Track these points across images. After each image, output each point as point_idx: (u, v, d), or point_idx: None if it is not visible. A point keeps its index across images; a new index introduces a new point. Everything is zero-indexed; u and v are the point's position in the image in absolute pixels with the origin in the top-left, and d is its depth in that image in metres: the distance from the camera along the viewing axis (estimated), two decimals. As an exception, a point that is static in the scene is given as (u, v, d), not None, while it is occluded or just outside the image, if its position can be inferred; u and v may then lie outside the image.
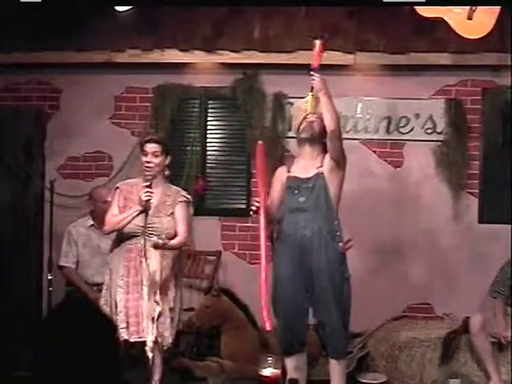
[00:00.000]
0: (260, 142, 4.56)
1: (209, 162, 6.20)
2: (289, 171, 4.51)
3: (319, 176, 4.38)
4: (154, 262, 4.33)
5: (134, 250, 4.35)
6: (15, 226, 6.06)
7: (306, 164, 4.44)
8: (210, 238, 6.09)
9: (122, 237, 4.41)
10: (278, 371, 4.18)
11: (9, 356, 5.14)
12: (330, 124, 4.29)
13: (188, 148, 6.13)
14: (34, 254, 6.13)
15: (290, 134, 6.00)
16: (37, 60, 5.95)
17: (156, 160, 4.43)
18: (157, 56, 5.93)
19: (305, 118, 4.46)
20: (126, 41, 5.89)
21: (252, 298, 5.55)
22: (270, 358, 4.32)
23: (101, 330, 1.88)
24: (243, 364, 5.24)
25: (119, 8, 5.13)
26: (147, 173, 4.43)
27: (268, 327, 4.05)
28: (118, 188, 4.51)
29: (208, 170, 6.19)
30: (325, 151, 4.42)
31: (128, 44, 5.91)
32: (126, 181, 4.62)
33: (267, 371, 4.46)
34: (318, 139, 4.42)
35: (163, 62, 5.94)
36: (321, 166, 4.40)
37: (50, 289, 5.53)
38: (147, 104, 6.16)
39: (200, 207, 6.13)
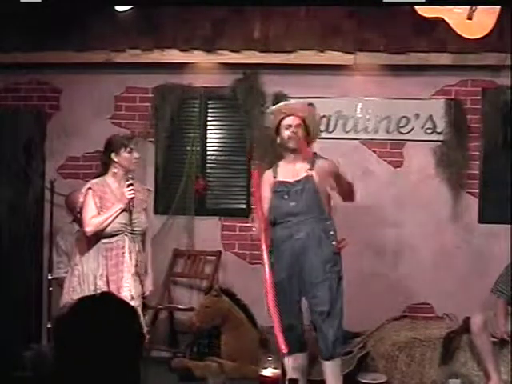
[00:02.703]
0: (255, 169, 4.58)
1: (209, 162, 6.19)
2: (275, 176, 4.53)
3: (308, 179, 4.41)
4: (134, 257, 4.36)
5: (114, 248, 4.33)
6: (15, 226, 6.05)
7: (294, 167, 4.47)
8: (210, 238, 6.09)
9: (99, 236, 4.33)
10: (278, 371, 4.18)
11: (9, 356, 5.14)
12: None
13: (188, 148, 6.13)
14: (33, 254, 6.12)
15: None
16: (37, 60, 5.95)
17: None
18: (157, 56, 5.93)
19: (282, 119, 4.47)
20: (126, 41, 5.89)
21: (252, 298, 5.56)
22: (269, 358, 4.32)
23: (128, 323, 1.86)
24: (243, 364, 5.24)
25: (119, 8, 5.11)
26: (135, 169, 4.49)
27: (284, 350, 4.09)
28: (90, 188, 4.39)
29: (208, 170, 6.19)
30: (315, 155, 4.48)
31: (128, 44, 5.91)
32: (94, 180, 4.46)
33: (267, 371, 4.45)
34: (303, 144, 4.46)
35: (163, 62, 5.94)
36: (310, 169, 4.43)
37: (50, 289, 5.53)
38: (147, 104, 6.16)
39: (200, 207, 6.14)
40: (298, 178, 4.42)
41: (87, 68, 6.00)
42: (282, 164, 4.58)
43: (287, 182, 4.45)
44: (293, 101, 4.78)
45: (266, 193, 4.51)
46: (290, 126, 4.46)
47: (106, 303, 1.87)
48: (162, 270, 5.87)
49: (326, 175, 4.39)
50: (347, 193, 4.40)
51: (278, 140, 4.55)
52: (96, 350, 1.77)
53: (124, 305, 1.90)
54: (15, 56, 5.93)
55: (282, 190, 4.45)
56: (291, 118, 4.48)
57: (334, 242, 4.36)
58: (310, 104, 4.67)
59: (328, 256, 4.34)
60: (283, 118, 4.49)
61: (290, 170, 4.48)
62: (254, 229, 4.39)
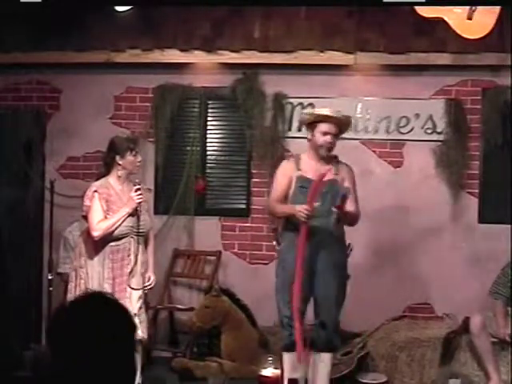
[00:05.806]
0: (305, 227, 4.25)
1: (209, 162, 6.19)
2: (299, 169, 4.41)
3: (334, 182, 4.36)
4: (138, 259, 4.38)
5: (120, 251, 4.34)
6: (15, 226, 6.06)
7: (319, 167, 4.37)
8: (210, 238, 6.09)
9: (106, 240, 4.32)
10: (277, 371, 4.19)
11: (9, 356, 5.15)
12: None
13: (188, 148, 6.13)
14: (33, 254, 6.13)
15: (290, 134, 6.01)
16: (37, 60, 5.95)
17: None
18: (157, 56, 5.93)
19: (321, 122, 4.34)
20: (126, 41, 5.89)
21: (252, 298, 5.57)
22: (270, 358, 4.33)
23: (121, 324, 1.87)
24: (243, 364, 5.25)
25: (119, 8, 5.12)
26: (137, 171, 4.49)
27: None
28: (96, 191, 4.33)
29: (208, 170, 6.19)
30: (336, 158, 4.47)
31: (128, 44, 5.91)
32: (98, 183, 4.40)
33: (267, 371, 4.47)
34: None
35: (163, 62, 5.94)
36: (337, 174, 4.41)
37: (50, 289, 5.53)
38: (147, 104, 6.16)
39: (200, 207, 6.14)
40: (324, 180, 4.28)
41: (87, 68, 6.00)
42: (303, 158, 4.47)
43: (310, 179, 4.34)
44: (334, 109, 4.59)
45: (282, 185, 4.40)
46: (327, 133, 4.36)
47: (94, 303, 1.88)
48: (162, 269, 5.87)
49: (345, 182, 4.42)
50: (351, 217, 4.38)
51: (309, 137, 4.42)
52: (88, 349, 1.78)
53: (113, 303, 1.91)
54: (15, 56, 5.93)
55: (306, 186, 4.31)
56: (330, 125, 4.36)
57: (344, 246, 4.45)
58: (348, 116, 4.60)
59: (340, 259, 4.39)
60: (322, 122, 4.37)
61: (316, 169, 4.37)
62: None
